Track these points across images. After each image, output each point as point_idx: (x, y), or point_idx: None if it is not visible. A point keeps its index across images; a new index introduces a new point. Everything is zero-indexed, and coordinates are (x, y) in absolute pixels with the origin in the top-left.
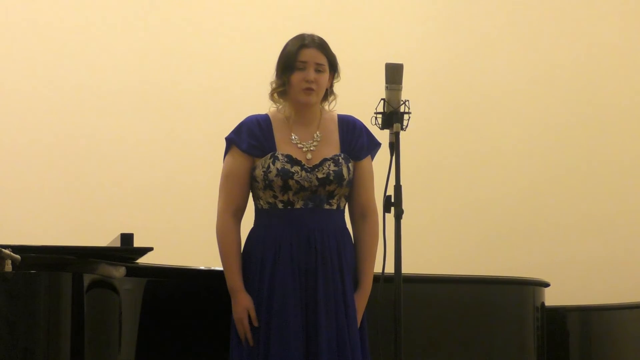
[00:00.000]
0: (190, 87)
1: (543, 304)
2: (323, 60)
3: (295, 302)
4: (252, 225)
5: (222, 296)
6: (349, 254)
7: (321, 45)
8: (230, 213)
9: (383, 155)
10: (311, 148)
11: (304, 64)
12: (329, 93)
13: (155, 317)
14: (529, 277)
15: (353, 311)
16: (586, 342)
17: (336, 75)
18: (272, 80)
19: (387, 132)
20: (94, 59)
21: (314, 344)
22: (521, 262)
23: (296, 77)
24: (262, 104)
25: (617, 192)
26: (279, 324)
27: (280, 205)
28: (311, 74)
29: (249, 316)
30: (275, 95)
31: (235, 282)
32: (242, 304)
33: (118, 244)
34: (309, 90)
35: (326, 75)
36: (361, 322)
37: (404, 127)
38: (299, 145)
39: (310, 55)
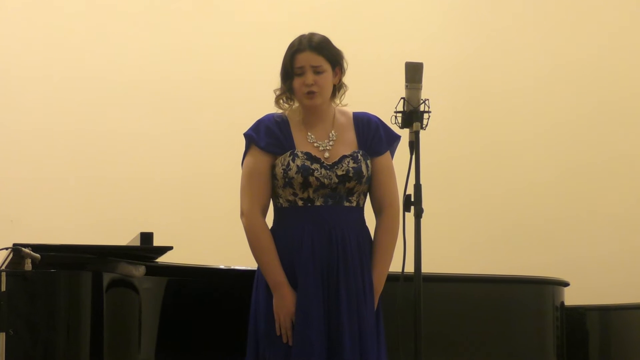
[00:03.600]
0: (211, 85)
1: (563, 303)
2: (319, 61)
3: (317, 302)
4: (272, 225)
5: (242, 295)
6: (368, 251)
7: (316, 47)
8: (258, 210)
9: (403, 154)
10: (328, 147)
11: (300, 69)
12: (337, 88)
13: (175, 316)
14: (549, 276)
15: (370, 310)
16: (606, 342)
17: (343, 71)
18: (276, 88)
19: (406, 131)
20: (112, 57)
21: (337, 343)
22: (541, 261)
23: (296, 83)
24: None
25: (638, 189)
26: (302, 324)
27: (300, 203)
28: (309, 78)
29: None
30: (281, 101)
31: (279, 276)
32: (291, 299)
33: (138, 243)
34: (310, 94)
35: (327, 75)
36: (377, 321)
37: (423, 126)
38: (316, 144)
39: (305, 59)
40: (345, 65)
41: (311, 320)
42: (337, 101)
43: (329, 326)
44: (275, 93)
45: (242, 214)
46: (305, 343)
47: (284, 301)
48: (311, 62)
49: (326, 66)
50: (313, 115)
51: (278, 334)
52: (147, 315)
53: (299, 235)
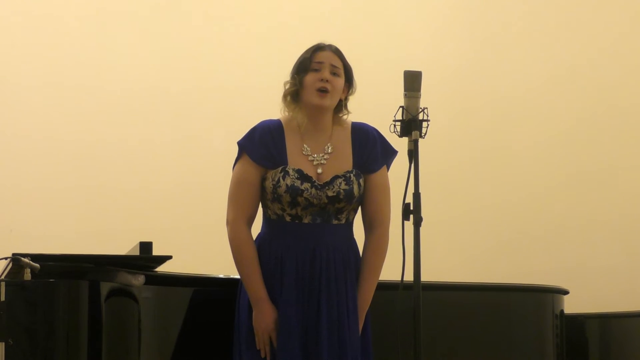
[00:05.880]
0: (211, 93)
1: (562, 311)
2: (339, 64)
3: (298, 319)
4: (260, 232)
5: None
6: (354, 267)
7: (337, 51)
8: (244, 221)
9: (402, 162)
10: (322, 161)
11: (319, 64)
12: (342, 106)
13: (175, 326)
14: (548, 284)
15: (354, 327)
16: (606, 350)
17: (351, 90)
18: (286, 81)
19: (405, 139)
20: (111, 65)
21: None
22: (540, 269)
23: (310, 78)
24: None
25: (638, 196)
26: (284, 341)
27: (287, 218)
28: (326, 74)
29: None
30: (289, 97)
31: (259, 291)
32: (270, 315)
33: (137, 252)
34: (323, 91)
35: (341, 81)
36: (364, 338)
37: (422, 134)
38: (310, 158)
39: (326, 56)
40: (354, 85)
41: (293, 338)
42: (340, 115)
43: (306, 342)
44: (284, 86)
45: (227, 223)
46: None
47: (264, 317)
48: (332, 61)
49: (342, 72)
50: (313, 121)
51: (258, 348)
52: (146, 324)
53: (283, 251)
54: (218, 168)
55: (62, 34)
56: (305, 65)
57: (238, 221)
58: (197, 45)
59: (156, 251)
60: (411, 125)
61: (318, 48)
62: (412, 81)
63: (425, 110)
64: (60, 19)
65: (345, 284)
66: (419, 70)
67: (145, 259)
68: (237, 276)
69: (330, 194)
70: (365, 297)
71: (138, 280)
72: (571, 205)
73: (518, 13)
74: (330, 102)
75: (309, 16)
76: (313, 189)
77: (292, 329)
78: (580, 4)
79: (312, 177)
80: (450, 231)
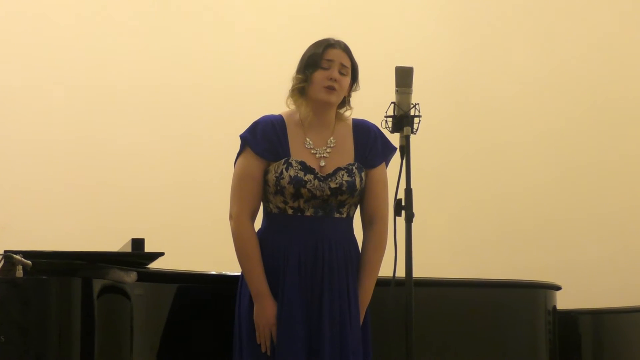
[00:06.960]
0: (203, 92)
1: (555, 307)
2: (348, 63)
3: (300, 315)
4: (261, 227)
5: (233, 301)
6: (355, 262)
7: (347, 49)
8: (248, 215)
9: (393, 158)
10: (324, 155)
11: (329, 62)
12: (346, 102)
13: (167, 322)
14: (541, 280)
15: (355, 323)
16: (598, 346)
17: (355, 85)
18: (294, 76)
19: (397, 135)
20: (104, 64)
21: (318, 354)
22: (533, 265)
23: (319, 75)
24: (275, 107)
25: (631, 193)
26: (285, 336)
27: (290, 212)
28: (335, 73)
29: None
30: (296, 92)
31: (261, 286)
32: (272, 310)
33: (129, 249)
34: (330, 88)
35: (348, 79)
36: (364, 334)
37: (414, 130)
38: (313, 151)
39: (337, 54)
40: (358, 83)
41: (294, 333)
42: (341, 111)
43: (310, 338)
44: (292, 81)
45: (231, 217)
46: (288, 354)
47: (265, 311)
48: (341, 60)
49: (349, 71)
50: (317, 116)
51: (258, 342)
52: (138, 321)
53: (285, 245)
54: (211, 166)
55: (60, 33)
56: (315, 61)
57: (242, 216)
58: (192, 45)
59: (148, 248)
60: (403, 121)
61: (329, 45)
62: (404, 77)
63: (417, 106)
64: (60, 19)
65: (347, 279)
66: (411, 66)
67: (137, 255)
68: (230, 273)
69: (332, 185)
70: (366, 292)
71: (130, 277)
72: (563, 201)
73: (511, 10)
74: (337, 99)
75: (304, 15)
76: (316, 181)
77: (294, 323)
78: (573, 1)
79: (314, 168)
80: (442, 227)
